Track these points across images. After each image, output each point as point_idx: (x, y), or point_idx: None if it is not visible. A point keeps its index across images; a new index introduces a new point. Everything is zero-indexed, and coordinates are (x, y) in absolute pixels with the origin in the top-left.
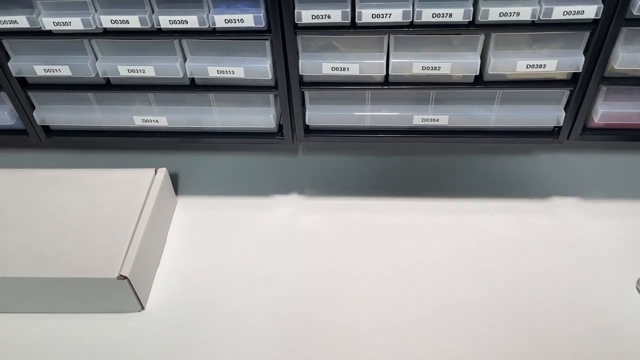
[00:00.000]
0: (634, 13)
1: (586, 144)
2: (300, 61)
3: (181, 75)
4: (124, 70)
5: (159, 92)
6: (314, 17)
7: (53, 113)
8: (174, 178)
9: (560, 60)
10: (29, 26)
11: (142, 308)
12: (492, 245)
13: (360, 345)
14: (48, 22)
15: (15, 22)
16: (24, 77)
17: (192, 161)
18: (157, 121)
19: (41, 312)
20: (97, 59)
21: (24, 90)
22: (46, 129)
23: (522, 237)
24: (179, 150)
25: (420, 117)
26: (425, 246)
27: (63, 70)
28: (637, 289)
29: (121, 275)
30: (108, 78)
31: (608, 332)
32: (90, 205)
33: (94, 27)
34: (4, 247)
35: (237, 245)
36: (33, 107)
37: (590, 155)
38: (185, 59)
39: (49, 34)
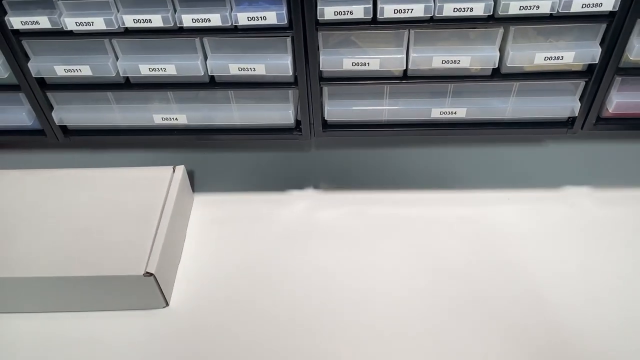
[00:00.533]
0: None
1: (597, 133)
2: (320, 57)
3: (202, 74)
4: (145, 69)
5: (179, 91)
6: (336, 13)
7: (71, 113)
8: (190, 175)
9: (577, 52)
10: (50, 27)
11: (167, 304)
12: (508, 236)
13: (379, 338)
14: (70, 23)
15: (37, 22)
16: (42, 78)
17: (207, 159)
18: (176, 119)
19: (68, 311)
20: (117, 58)
21: (42, 90)
22: (64, 128)
23: (537, 227)
24: (194, 148)
25: (438, 110)
26: (443, 238)
27: (84, 70)
28: None
29: (147, 272)
30: (127, 77)
31: (617, 305)
32: (111, 203)
33: (116, 27)
34: (28, 248)
35: (255, 241)
36: (51, 108)
37: (602, 145)
38: (206, 57)
39: (70, 34)
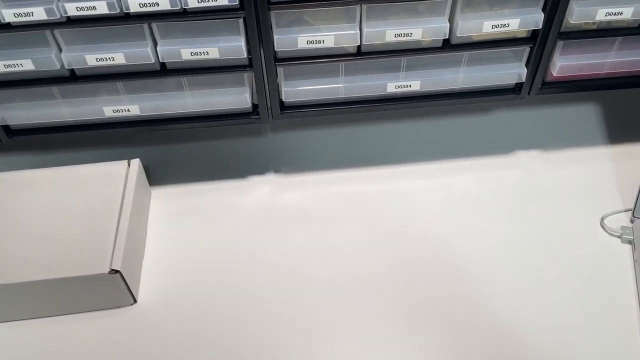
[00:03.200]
0: None
1: (542, 99)
2: (275, 37)
3: (153, 61)
4: (92, 59)
5: (129, 80)
6: None
7: (14, 111)
8: (146, 170)
9: (522, 18)
10: None
11: (135, 301)
12: (467, 202)
13: (354, 317)
14: (8, 14)
15: None
16: None
17: (162, 151)
18: (128, 110)
19: (34, 318)
20: (61, 50)
21: None
22: (7, 129)
23: (493, 191)
24: (147, 141)
25: (393, 85)
26: (406, 211)
27: (25, 65)
28: (602, 226)
29: (112, 270)
30: (73, 69)
31: (579, 266)
32: (67, 203)
33: (58, 17)
34: None
35: (219, 230)
36: None
37: (547, 109)
38: (155, 44)
39: (8, 26)
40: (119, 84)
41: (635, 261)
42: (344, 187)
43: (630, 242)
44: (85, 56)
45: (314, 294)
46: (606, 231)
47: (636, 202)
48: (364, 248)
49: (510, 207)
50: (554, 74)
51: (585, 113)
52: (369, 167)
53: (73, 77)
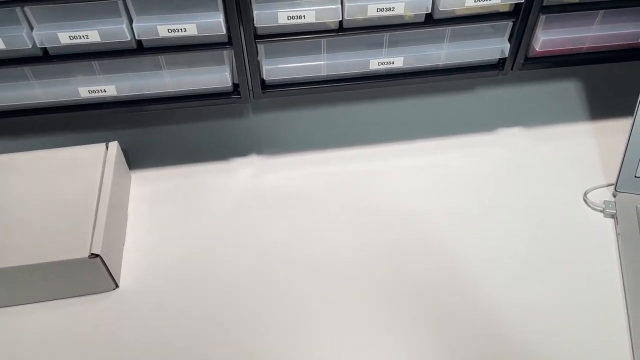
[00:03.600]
0: None
1: (526, 76)
2: (254, 12)
3: (128, 38)
4: (65, 37)
5: (105, 59)
6: None
7: None
8: (125, 153)
9: None
10: None
11: (117, 286)
12: (451, 180)
13: (339, 296)
14: None
15: None
16: None
17: (141, 134)
18: (105, 91)
19: (14, 305)
20: (32, 28)
21: None
22: None
23: (477, 169)
24: (126, 124)
25: (376, 61)
26: (391, 190)
27: None
28: (585, 200)
29: (92, 254)
30: (46, 48)
31: (562, 240)
32: (44, 188)
33: None
34: None
35: (201, 213)
36: None
37: (530, 86)
38: (131, 20)
39: None
40: (94, 64)
41: (617, 234)
42: (328, 167)
43: (612, 216)
44: (58, 34)
45: (298, 274)
46: (589, 206)
47: (618, 176)
48: (350, 228)
49: (494, 183)
50: (537, 49)
51: (568, 89)
52: (353, 146)
53: (46, 57)
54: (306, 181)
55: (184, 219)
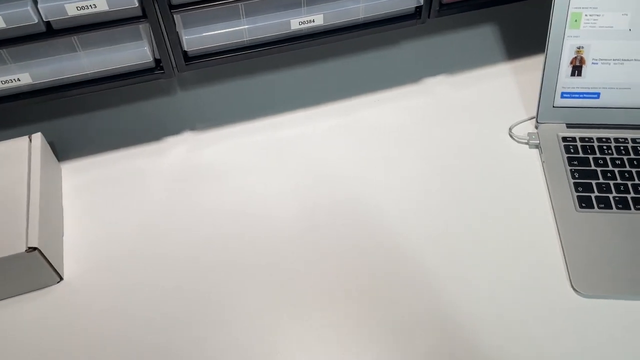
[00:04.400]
0: None
1: (444, 26)
2: None
3: (36, 21)
4: None
5: (13, 46)
6: None
7: None
8: (52, 146)
9: None
10: None
11: (61, 279)
12: (382, 133)
13: (283, 268)
14: None
15: None
16: None
17: (65, 124)
18: (18, 80)
19: None
20: None
21: None
22: None
23: (407, 120)
24: (49, 116)
25: (297, 21)
26: (328, 150)
27: None
28: (510, 135)
29: (30, 248)
30: None
31: (493, 174)
32: None
33: None
34: None
35: (139, 197)
36: None
37: (449, 35)
38: (36, 1)
39: None
40: (3, 52)
41: (543, 162)
42: (262, 135)
43: (536, 146)
44: None
45: (243, 250)
46: (515, 139)
47: (537, 109)
48: (288, 195)
49: (424, 132)
50: None
51: (484, 33)
52: (284, 112)
53: None
54: (241, 151)
55: (123, 204)
